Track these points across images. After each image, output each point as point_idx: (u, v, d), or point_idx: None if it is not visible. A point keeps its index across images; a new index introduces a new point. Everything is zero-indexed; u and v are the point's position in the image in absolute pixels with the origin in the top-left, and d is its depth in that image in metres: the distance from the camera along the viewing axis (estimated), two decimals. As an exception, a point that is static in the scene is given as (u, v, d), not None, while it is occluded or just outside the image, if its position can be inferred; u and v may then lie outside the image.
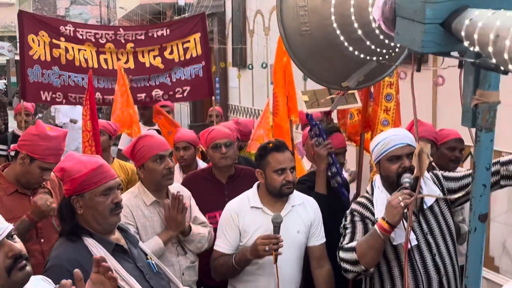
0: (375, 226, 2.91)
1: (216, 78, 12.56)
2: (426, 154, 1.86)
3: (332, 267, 3.55)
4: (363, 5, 1.96)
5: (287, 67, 5.02)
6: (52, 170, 3.34)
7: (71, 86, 6.44)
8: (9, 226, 2.03)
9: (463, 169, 4.26)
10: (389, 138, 3.10)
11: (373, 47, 2.09)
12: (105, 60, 6.51)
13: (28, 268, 2.03)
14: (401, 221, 2.85)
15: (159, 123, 6.56)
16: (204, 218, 3.78)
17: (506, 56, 1.23)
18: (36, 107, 10.12)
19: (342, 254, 3.05)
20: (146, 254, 2.82)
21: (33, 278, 2.13)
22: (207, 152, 4.39)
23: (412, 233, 3.02)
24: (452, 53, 1.53)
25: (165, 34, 6.68)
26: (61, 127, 12.76)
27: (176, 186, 3.80)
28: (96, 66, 6.46)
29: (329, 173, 3.97)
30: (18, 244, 2.04)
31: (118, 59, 6.51)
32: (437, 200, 3.14)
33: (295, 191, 3.56)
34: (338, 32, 2.12)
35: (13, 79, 32.34)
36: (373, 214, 3.12)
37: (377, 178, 3.22)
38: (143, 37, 6.63)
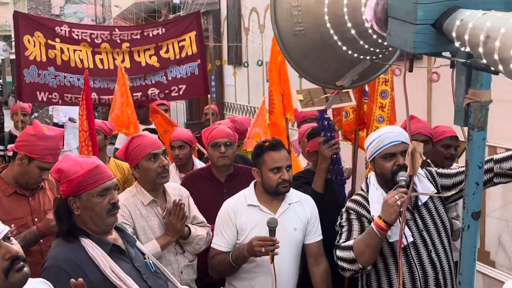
0: (372, 225, 2.92)
1: (212, 76, 12.55)
2: (419, 153, 1.87)
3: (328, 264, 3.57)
4: (356, 5, 1.97)
5: (282, 65, 5.03)
6: (49, 171, 3.35)
7: (67, 86, 6.44)
8: (6, 228, 2.05)
9: (457, 166, 4.28)
10: (384, 135, 3.12)
11: (366, 46, 2.10)
12: (101, 60, 6.52)
13: (26, 269, 2.05)
14: (398, 219, 2.87)
15: (155, 122, 6.57)
16: (203, 217, 3.80)
17: (496, 56, 1.25)
18: (32, 106, 10.12)
19: (339, 253, 3.06)
20: (143, 254, 2.83)
21: (32, 281, 2.15)
22: (206, 150, 4.41)
23: (408, 230, 3.04)
24: (443, 53, 1.55)
25: (160, 33, 6.69)
26: (61, 126, 12.80)
27: (175, 186, 3.82)
28: (91, 66, 6.46)
29: (332, 171, 4.00)
30: (15, 246, 2.05)
31: (114, 59, 6.51)
32: (431, 197, 3.16)
33: (291, 189, 3.58)
34: (331, 31, 2.13)
35: (9, 78, 32.23)
36: (368, 212, 3.13)
37: (372, 176, 3.23)
38: (138, 36, 6.64)
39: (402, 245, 2.98)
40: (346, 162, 5.44)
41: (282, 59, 4.97)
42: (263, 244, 3.26)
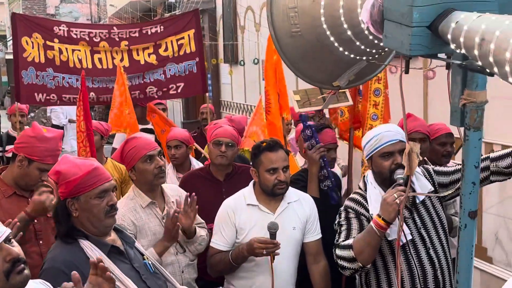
0: (371, 223, 2.93)
1: (208, 74, 12.54)
2: (416, 154, 1.89)
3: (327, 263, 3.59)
4: (352, 7, 1.99)
5: (277, 65, 5.05)
6: (48, 173, 3.36)
7: (65, 87, 6.43)
8: (7, 231, 2.06)
9: (454, 163, 4.30)
10: (382, 134, 3.13)
11: (363, 47, 2.12)
12: (100, 59, 6.51)
13: (26, 271, 2.06)
14: (397, 217, 2.88)
15: (153, 121, 6.57)
16: (201, 219, 3.80)
17: (491, 59, 1.26)
18: (29, 106, 10.12)
19: (338, 252, 3.07)
20: (142, 254, 2.84)
21: (32, 282, 2.16)
22: (208, 146, 4.43)
23: (406, 228, 3.05)
24: (439, 55, 1.56)
25: (159, 31, 6.67)
26: (61, 127, 12.80)
27: (173, 187, 3.82)
28: (90, 66, 6.46)
29: (320, 176, 4.00)
30: (16, 248, 2.06)
31: (113, 58, 6.51)
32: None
33: (290, 187, 3.59)
34: (328, 33, 2.15)
35: (4, 78, 32.18)
36: (367, 210, 3.15)
37: (369, 174, 3.24)
38: (137, 34, 6.62)
39: (401, 243, 3.00)
40: (343, 161, 5.46)
41: (278, 59, 4.99)
42: (264, 247, 3.28)
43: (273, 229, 3.30)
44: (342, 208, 3.24)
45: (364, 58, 2.20)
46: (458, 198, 3.42)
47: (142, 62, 6.62)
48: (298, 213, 3.56)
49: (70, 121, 11.31)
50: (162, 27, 6.70)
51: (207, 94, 7.19)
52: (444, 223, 3.22)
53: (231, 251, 3.48)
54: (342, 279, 4.01)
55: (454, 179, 3.15)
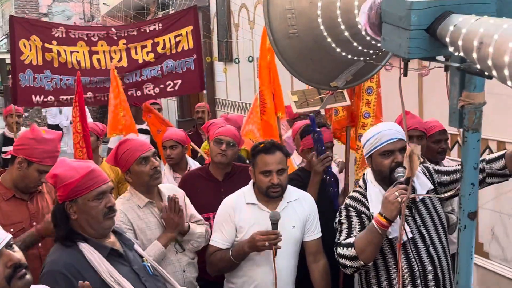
0: (373, 222, 2.94)
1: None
2: (417, 156, 1.90)
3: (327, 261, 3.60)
4: (349, 8, 1.99)
5: (271, 64, 5.05)
6: (45, 176, 3.36)
7: (63, 89, 6.43)
8: (8, 236, 2.06)
9: (454, 163, 4.33)
10: (382, 133, 3.14)
11: (360, 48, 2.12)
12: (98, 60, 6.50)
13: (28, 276, 2.07)
14: (398, 215, 2.90)
15: (148, 121, 6.55)
16: (200, 216, 3.82)
17: (490, 62, 1.27)
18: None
19: (340, 250, 3.07)
20: (141, 257, 2.85)
21: (34, 287, 2.17)
22: (209, 144, 4.44)
23: (407, 226, 3.07)
24: (437, 57, 1.56)
25: (157, 29, 6.66)
26: (56, 127, 12.78)
27: (170, 187, 3.84)
28: (88, 66, 6.45)
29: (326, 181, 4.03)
30: (17, 254, 2.07)
31: (112, 58, 6.49)
32: (427, 192, 3.19)
33: (290, 187, 3.60)
34: (325, 34, 2.15)
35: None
36: (368, 208, 3.15)
37: (369, 172, 3.25)
38: (135, 32, 6.62)
39: (402, 241, 3.02)
40: (339, 156, 5.47)
41: (272, 58, 5.00)
42: (266, 238, 3.29)
43: (274, 219, 3.31)
44: (342, 207, 3.25)
45: (362, 58, 2.20)
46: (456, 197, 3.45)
47: (140, 61, 6.61)
48: (298, 212, 3.57)
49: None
50: (160, 24, 6.69)
51: (203, 92, 7.16)
52: (443, 220, 3.24)
53: (231, 249, 3.48)
54: (340, 277, 4.02)
55: (454, 178, 3.17)
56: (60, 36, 6.43)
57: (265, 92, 5.09)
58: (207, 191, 4.15)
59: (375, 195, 3.12)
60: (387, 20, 1.62)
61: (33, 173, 3.49)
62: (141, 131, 6.52)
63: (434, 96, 5.66)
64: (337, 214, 3.26)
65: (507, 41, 1.22)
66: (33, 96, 6.37)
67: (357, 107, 4.72)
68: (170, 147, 5.05)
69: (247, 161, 5.14)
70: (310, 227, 3.59)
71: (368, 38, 2.00)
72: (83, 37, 6.48)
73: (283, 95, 5.29)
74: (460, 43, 1.37)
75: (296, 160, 4.68)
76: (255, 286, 3.52)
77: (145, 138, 6.09)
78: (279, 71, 5.02)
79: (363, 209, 3.18)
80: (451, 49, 1.43)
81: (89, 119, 8.62)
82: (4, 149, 7.59)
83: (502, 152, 3.04)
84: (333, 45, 2.15)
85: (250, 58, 10.30)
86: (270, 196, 3.49)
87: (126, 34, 6.58)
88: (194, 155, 6.02)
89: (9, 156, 3.66)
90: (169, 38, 6.64)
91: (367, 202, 3.17)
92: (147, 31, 6.65)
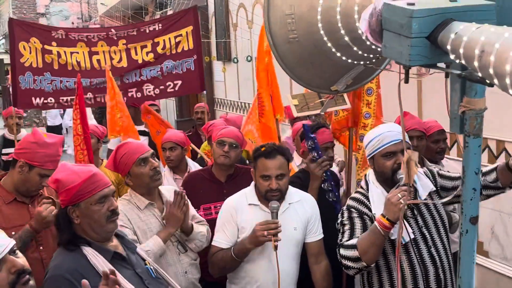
0: (375, 223, 2.96)
1: (202, 72, 12.51)
2: (415, 162, 1.91)
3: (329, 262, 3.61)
4: (349, 13, 2.00)
5: (269, 67, 5.05)
6: (47, 181, 3.37)
7: (63, 90, 6.43)
8: (11, 242, 2.07)
9: (453, 162, 4.34)
10: (384, 134, 3.15)
11: (360, 52, 2.13)
12: (98, 61, 6.49)
13: (31, 282, 2.08)
14: None
15: (148, 122, 6.55)
16: (201, 217, 3.84)
17: (491, 71, 1.28)
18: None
19: (342, 252, 3.08)
20: (144, 260, 2.86)
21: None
22: (210, 145, 4.45)
23: (409, 227, 3.08)
24: (438, 64, 1.57)
25: (157, 29, 6.66)
26: (56, 128, 12.78)
27: (170, 188, 3.84)
28: (89, 67, 6.45)
29: (324, 188, 4.03)
30: (20, 260, 2.08)
31: (112, 59, 6.49)
32: (429, 193, 3.20)
33: (292, 188, 3.61)
34: (325, 38, 2.16)
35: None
36: (370, 209, 3.16)
37: (371, 173, 3.26)
38: (135, 33, 6.61)
39: (404, 242, 3.03)
40: (339, 156, 5.48)
41: (270, 61, 5.00)
42: (266, 228, 3.30)
43: (273, 206, 3.34)
44: (344, 208, 3.26)
45: (362, 62, 2.22)
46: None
47: (140, 61, 6.61)
48: (300, 213, 3.58)
49: None
50: (160, 25, 6.69)
51: (204, 92, 7.16)
52: (445, 221, 3.25)
53: (233, 247, 3.50)
54: (343, 278, 4.03)
55: (457, 184, 3.17)
56: (60, 37, 6.43)
57: (263, 94, 5.09)
58: (210, 193, 4.17)
59: (377, 196, 3.13)
60: (388, 27, 1.63)
61: (35, 177, 3.50)
62: (140, 132, 6.51)
63: (433, 97, 5.67)
64: (339, 215, 3.26)
65: (508, 50, 1.23)
66: (33, 98, 6.37)
67: (357, 107, 4.74)
68: (170, 149, 5.05)
69: (247, 162, 5.15)
70: (311, 229, 3.60)
71: (368, 42, 2.01)
72: (83, 39, 6.48)
73: (282, 97, 5.29)
74: (461, 51, 1.38)
75: (296, 161, 4.68)
76: (258, 286, 3.53)
77: (143, 140, 6.09)
78: (278, 74, 5.02)
79: (365, 210, 3.19)
80: (452, 56, 1.44)
81: (92, 121, 8.62)
82: (4, 151, 7.58)
83: (495, 165, 3.06)
84: (334, 49, 2.16)
85: (249, 58, 10.30)
86: (269, 200, 3.49)
87: (126, 35, 6.58)
88: (194, 156, 6.03)
89: (10, 159, 3.66)
90: (169, 39, 6.63)
91: (369, 203, 3.18)
92: (147, 31, 6.65)
